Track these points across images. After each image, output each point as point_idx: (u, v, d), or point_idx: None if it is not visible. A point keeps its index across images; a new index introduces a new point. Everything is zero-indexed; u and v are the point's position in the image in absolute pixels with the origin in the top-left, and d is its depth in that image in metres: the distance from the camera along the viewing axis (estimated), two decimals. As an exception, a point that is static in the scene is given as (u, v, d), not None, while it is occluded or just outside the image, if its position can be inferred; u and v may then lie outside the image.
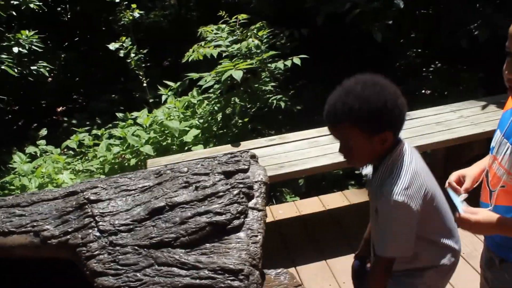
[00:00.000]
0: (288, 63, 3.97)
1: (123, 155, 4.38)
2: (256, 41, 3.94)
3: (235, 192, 1.73)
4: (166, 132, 4.28)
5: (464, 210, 1.52)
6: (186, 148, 4.08)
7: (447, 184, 1.66)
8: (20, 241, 1.75)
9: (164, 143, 4.25)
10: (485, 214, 1.52)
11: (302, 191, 4.16)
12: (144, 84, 5.20)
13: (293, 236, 3.47)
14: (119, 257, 1.60)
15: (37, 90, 7.08)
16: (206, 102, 4.42)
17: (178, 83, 5.00)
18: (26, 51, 5.01)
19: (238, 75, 3.55)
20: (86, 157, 4.80)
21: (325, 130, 3.53)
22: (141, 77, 5.21)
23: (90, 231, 1.67)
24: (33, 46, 5.12)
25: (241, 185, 1.76)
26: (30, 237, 1.74)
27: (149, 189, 1.80)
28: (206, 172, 1.82)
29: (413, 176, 1.58)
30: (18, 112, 7.54)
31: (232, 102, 4.25)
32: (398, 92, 1.58)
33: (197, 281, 1.54)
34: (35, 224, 1.76)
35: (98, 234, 1.65)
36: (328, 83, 5.26)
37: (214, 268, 1.55)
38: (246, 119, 4.58)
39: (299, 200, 3.94)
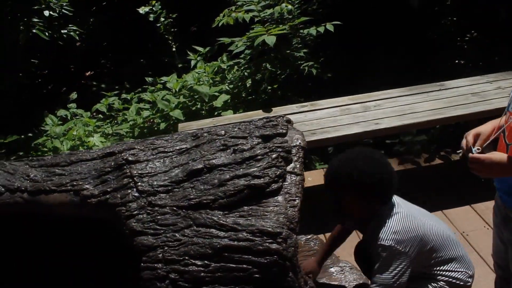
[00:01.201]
0: (321, 29, 3.89)
1: (152, 119, 4.40)
2: (289, 6, 3.86)
3: (274, 156, 1.72)
4: (195, 97, 4.27)
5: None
6: (215, 113, 4.07)
7: (463, 142, 1.70)
8: (60, 199, 1.78)
9: (194, 108, 4.24)
10: (497, 154, 1.58)
11: (331, 158, 4.13)
12: (173, 49, 5.18)
13: (321, 204, 3.46)
14: (158, 217, 1.61)
15: (66, 54, 7.11)
16: (236, 67, 4.38)
17: (207, 48, 4.96)
18: (56, 15, 5.01)
19: (271, 40, 3.49)
20: (116, 121, 4.83)
21: (357, 98, 3.49)
22: (170, 42, 5.18)
23: (129, 191, 1.68)
24: (63, 10, 5.11)
25: (280, 149, 1.74)
26: (70, 196, 1.77)
27: (186, 151, 1.79)
28: (244, 135, 1.81)
29: (404, 220, 1.89)
30: (47, 76, 7.61)
31: (262, 68, 4.20)
32: (393, 170, 1.96)
33: (235, 242, 1.54)
34: (74, 183, 1.78)
35: (137, 194, 1.67)
36: (359, 51, 5.17)
37: (252, 230, 1.55)
38: (275, 86, 4.54)
39: (329, 168, 3.91)
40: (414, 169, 3.74)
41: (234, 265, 1.53)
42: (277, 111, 3.39)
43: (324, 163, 4.06)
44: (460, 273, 2.01)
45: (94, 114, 5.14)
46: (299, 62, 4.09)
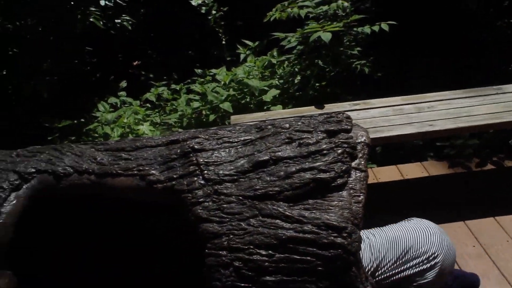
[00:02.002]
0: (376, 28, 3.85)
1: (200, 111, 4.45)
2: (345, 3, 3.84)
3: (339, 151, 1.72)
4: (245, 90, 4.30)
5: None
6: (265, 107, 4.09)
7: None
8: (127, 183, 1.82)
9: (243, 101, 4.27)
10: None
11: (378, 158, 4.11)
12: (223, 42, 5.22)
13: (370, 202, 3.44)
14: (224, 205, 1.63)
15: (115, 43, 7.24)
16: (286, 63, 4.39)
17: (256, 43, 4.98)
18: (111, 4, 5.12)
19: (327, 37, 3.48)
20: (164, 111, 4.91)
21: (410, 98, 3.45)
22: (220, 35, 5.23)
23: (195, 178, 1.71)
24: (117, 0, 5.22)
25: (345, 145, 1.74)
26: (136, 180, 1.81)
27: (251, 143, 1.81)
28: (309, 129, 1.82)
29: None
30: (96, 64, 7.77)
31: (313, 65, 4.19)
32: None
33: (301, 234, 1.55)
34: (141, 168, 1.82)
35: (203, 182, 1.69)
36: (411, 52, 5.09)
37: (318, 223, 1.56)
38: (323, 83, 4.52)
39: (376, 167, 3.89)
40: (464, 173, 3.68)
41: (298, 257, 1.55)
42: (329, 108, 3.38)
43: (371, 162, 4.03)
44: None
45: (142, 103, 5.23)
46: (351, 60, 4.06)
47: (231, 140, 1.84)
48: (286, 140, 1.78)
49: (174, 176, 1.75)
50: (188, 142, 1.84)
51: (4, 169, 2.03)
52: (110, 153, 1.96)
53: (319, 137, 1.78)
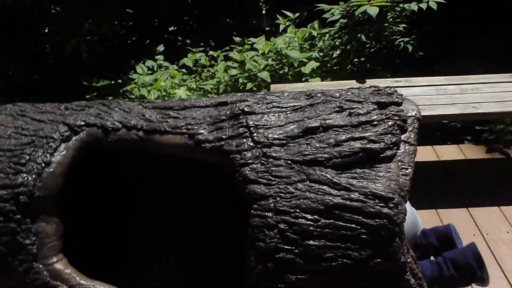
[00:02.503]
0: (423, 5, 3.77)
1: (237, 79, 4.45)
2: (393, -23, 3.77)
3: (390, 123, 1.71)
4: (283, 61, 4.28)
5: None
6: (303, 79, 4.07)
7: None
8: (175, 141, 1.85)
9: (281, 72, 4.26)
10: None
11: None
12: (263, 12, 5.18)
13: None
14: (272, 168, 1.65)
15: (152, 7, 7.25)
16: (327, 35, 4.34)
17: (296, 14, 4.93)
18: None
19: (373, 11, 3.43)
20: (200, 77, 4.93)
21: (454, 79, 3.40)
22: (260, 4, 5.18)
23: (245, 140, 1.73)
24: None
25: (396, 117, 1.73)
26: (185, 139, 1.83)
27: (301, 109, 1.81)
28: (359, 100, 1.81)
29: None
30: (132, 28, 7.80)
31: (355, 39, 4.14)
32: None
33: (348, 202, 1.56)
34: (189, 127, 1.85)
35: (252, 144, 1.71)
36: (455, 31, 4.97)
37: (365, 192, 1.56)
38: (362, 58, 4.47)
39: (412, 147, 3.85)
40: (502, 159, 3.63)
41: (343, 224, 1.56)
42: (371, 83, 3.35)
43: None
44: None
45: (178, 68, 5.25)
46: (395, 36, 4.00)
47: (280, 105, 1.84)
48: (337, 109, 1.78)
49: (223, 136, 1.77)
50: (237, 104, 1.85)
51: (54, 121, 2.08)
52: (158, 111, 1.99)
53: (370, 108, 1.77)
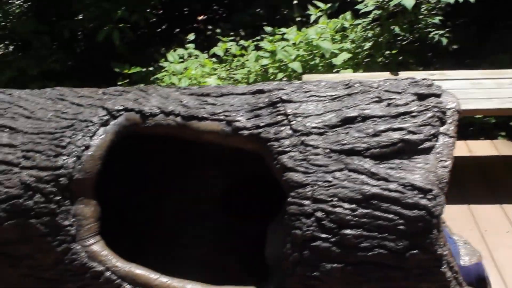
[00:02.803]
0: (460, -2, 3.71)
1: (268, 68, 4.45)
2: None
3: (429, 114, 1.70)
4: (315, 51, 4.27)
5: None
6: (334, 70, 4.05)
7: None
8: (212, 127, 1.87)
9: (312, 63, 4.25)
10: None
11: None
12: (295, 2, 5.16)
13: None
14: (310, 157, 1.65)
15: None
16: (360, 27, 4.31)
17: (329, 5, 4.90)
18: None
19: (409, 3, 3.39)
20: (230, 66, 4.94)
21: (490, 73, 3.35)
22: (292, -6, 5.16)
23: (283, 128, 1.73)
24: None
25: (435, 109, 1.72)
26: (222, 125, 1.85)
27: (339, 98, 1.81)
28: (398, 91, 1.80)
29: None
30: (162, 16, 7.85)
31: (388, 31, 4.10)
32: None
33: (385, 192, 1.56)
34: (227, 114, 1.86)
35: (290, 132, 1.71)
36: (491, 26, 4.88)
37: (403, 183, 1.56)
38: (394, 51, 4.43)
39: (444, 141, 3.81)
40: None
41: (380, 214, 1.56)
42: (404, 76, 3.31)
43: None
44: None
45: (209, 57, 5.27)
46: (429, 29, 3.95)
47: (318, 94, 1.84)
48: (375, 99, 1.77)
49: (261, 124, 1.78)
50: (275, 93, 1.86)
51: (92, 105, 2.12)
52: (196, 97, 2.01)
53: (409, 99, 1.76)
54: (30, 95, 2.32)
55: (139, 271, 1.94)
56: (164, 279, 1.92)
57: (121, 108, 2.05)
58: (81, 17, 4.87)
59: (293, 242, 1.64)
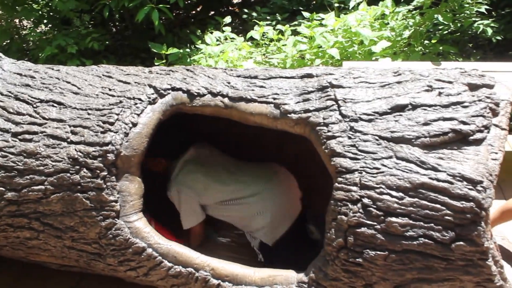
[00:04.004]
0: (507, -14, 3.62)
1: (305, 54, 4.42)
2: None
3: (482, 105, 1.67)
4: (353, 38, 4.22)
5: None
6: (372, 58, 4.01)
7: None
8: (260, 110, 1.87)
9: (350, 49, 4.20)
10: None
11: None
12: (333, -13, 5.11)
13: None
14: (359, 143, 1.65)
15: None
16: (401, 14, 4.24)
17: (369, -9, 4.83)
18: None
19: (455, -10, 3.32)
20: (266, 50, 4.92)
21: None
22: (330, -21, 5.11)
23: (332, 113, 1.73)
24: None
25: (488, 100, 1.69)
26: (270, 108, 1.86)
27: (388, 86, 1.80)
28: (449, 80, 1.78)
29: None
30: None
31: (430, 20, 4.03)
32: None
33: (434, 182, 1.55)
34: (275, 96, 1.87)
35: (340, 117, 1.71)
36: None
37: (453, 173, 1.55)
38: (434, 40, 4.35)
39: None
40: None
41: (428, 203, 1.55)
42: (446, 66, 3.26)
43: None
44: None
45: (245, 40, 5.26)
46: (474, 19, 3.86)
47: (367, 81, 1.83)
48: (426, 88, 1.75)
49: (310, 108, 1.78)
50: (324, 77, 1.86)
51: (139, 83, 2.15)
52: (243, 79, 2.02)
53: (461, 89, 1.73)
54: (78, 72, 2.36)
55: (180, 249, 1.97)
56: (204, 259, 1.96)
57: (168, 87, 2.07)
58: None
59: (338, 227, 1.64)
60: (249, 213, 2.20)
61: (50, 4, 5.51)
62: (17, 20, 6.46)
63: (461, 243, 1.55)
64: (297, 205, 2.27)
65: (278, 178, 2.27)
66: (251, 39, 5.05)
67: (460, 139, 1.62)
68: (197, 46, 4.98)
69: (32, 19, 5.78)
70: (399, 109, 1.70)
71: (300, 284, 1.78)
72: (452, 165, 1.57)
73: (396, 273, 1.62)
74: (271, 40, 4.88)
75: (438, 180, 1.55)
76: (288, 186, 2.27)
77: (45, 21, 5.83)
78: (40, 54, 5.24)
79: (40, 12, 5.68)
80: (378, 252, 1.61)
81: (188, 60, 4.80)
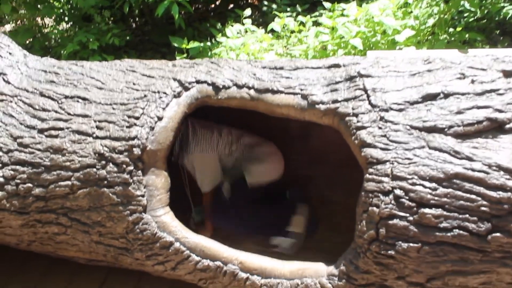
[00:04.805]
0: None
1: (327, 45, 4.37)
2: None
3: (517, 92, 1.62)
4: (376, 28, 4.15)
5: None
6: (396, 48, 3.94)
7: None
8: (287, 101, 1.84)
9: (373, 39, 4.13)
10: None
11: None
12: (354, -24, 5.02)
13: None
14: (390, 133, 1.61)
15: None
16: (425, 2, 4.16)
17: (391, -20, 4.74)
18: None
19: (482, -25, 3.23)
20: (288, 42, 4.88)
21: None
22: (351, -31, 5.02)
23: (361, 103, 1.69)
24: None
25: (524, 86, 1.64)
26: (298, 99, 1.83)
27: (419, 74, 1.75)
28: (483, 67, 1.72)
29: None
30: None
31: (455, 6, 3.94)
32: None
33: (469, 172, 1.51)
34: (302, 87, 1.83)
35: (369, 107, 1.67)
36: None
37: (489, 163, 1.50)
38: (459, 28, 4.26)
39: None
40: None
41: (463, 194, 1.51)
42: (472, 53, 3.18)
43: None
44: None
45: (266, 32, 5.22)
46: (502, 5, 3.76)
47: (397, 70, 1.79)
48: (458, 75, 1.70)
49: (339, 98, 1.74)
50: (352, 67, 1.82)
51: (164, 77, 2.13)
52: (269, 71, 1.99)
53: (495, 76, 1.68)
54: (101, 67, 2.36)
55: (208, 243, 1.96)
56: (232, 252, 1.94)
57: (193, 80, 2.06)
58: (140, -9, 4.90)
59: (370, 219, 1.61)
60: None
61: (71, 1, 5.54)
62: (39, 19, 6.51)
63: (498, 234, 1.50)
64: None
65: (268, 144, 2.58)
66: (272, 31, 5.00)
67: (496, 128, 1.57)
68: (217, 39, 4.95)
69: (53, 17, 5.81)
70: (430, 98, 1.65)
71: (330, 277, 1.75)
72: (487, 155, 1.52)
73: (429, 265, 1.59)
74: (292, 31, 4.83)
75: (473, 170, 1.51)
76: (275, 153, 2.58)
77: (66, 18, 5.86)
78: (62, 51, 5.27)
79: (61, 10, 5.71)
80: (411, 244, 1.57)
81: (209, 53, 4.77)
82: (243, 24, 5.03)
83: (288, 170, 2.55)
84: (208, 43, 4.97)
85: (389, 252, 1.60)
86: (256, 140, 2.57)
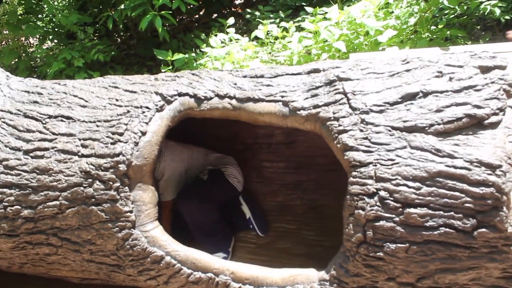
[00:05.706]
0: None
1: (311, 49, 4.39)
2: None
3: (495, 87, 1.63)
4: (358, 30, 4.18)
5: None
6: (379, 48, 3.96)
7: None
8: (269, 108, 1.85)
9: (356, 41, 4.16)
10: None
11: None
12: (334, -20, 5.06)
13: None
14: (371, 135, 1.62)
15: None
16: (405, 1, 4.19)
17: (370, -19, 4.77)
18: None
19: (459, -28, 3.26)
20: (272, 49, 4.90)
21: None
22: (332, -28, 5.06)
23: (342, 107, 1.70)
24: None
25: (501, 82, 1.65)
26: (279, 106, 1.83)
27: (397, 75, 1.77)
28: (460, 64, 1.74)
29: None
30: (199, 2, 7.84)
31: (435, 4, 3.97)
32: None
33: (451, 169, 1.52)
34: (283, 94, 1.84)
35: (350, 110, 1.68)
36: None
37: (470, 159, 1.51)
38: (441, 25, 4.29)
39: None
40: None
41: (446, 191, 1.52)
42: (455, 51, 3.21)
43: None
44: None
45: (250, 40, 5.24)
46: (480, 0, 3.80)
47: (375, 71, 1.80)
48: (436, 74, 1.72)
49: (319, 103, 1.75)
50: (331, 71, 1.83)
51: (146, 91, 2.14)
52: (250, 79, 2.00)
53: (472, 72, 1.70)
54: (84, 85, 2.36)
55: (198, 255, 1.96)
56: (223, 263, 1.94)
57: (175, 93, 2.06)
58: (123, 7, 4.90)
59: (356, 222, 1.62)
60: None
61: (53, 20, 5.54)
62: (23, 39, 6.51)
63: (484, 230, 1.51)
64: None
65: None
66: (256, 38, 5.03)
67: (475, 124, 1.59)
68: (202, 49, 4.97)
69: (37, 36, 5.81)
70: (410, 97, 1.66)
71: (321, 282, 1.75)
72: (468, 151, 1.53)
73: (418, 264, 1.59)
74: (276, 38, 4.86)
75: (455, 167, 1.52)
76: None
77: (50, 37, 5.86)
78: (48, 70, 5.27)
79: (44, 29, 5.71)
80: (399, 245, 1.58)
81: (195, 64, 4.79)
82: (227, 33, 5.05)
83: (276, 176, 2.56)
84: (193, 54, 4.99)
85: (378, 254, 1.60)
86: (221, 155, 2.73)
